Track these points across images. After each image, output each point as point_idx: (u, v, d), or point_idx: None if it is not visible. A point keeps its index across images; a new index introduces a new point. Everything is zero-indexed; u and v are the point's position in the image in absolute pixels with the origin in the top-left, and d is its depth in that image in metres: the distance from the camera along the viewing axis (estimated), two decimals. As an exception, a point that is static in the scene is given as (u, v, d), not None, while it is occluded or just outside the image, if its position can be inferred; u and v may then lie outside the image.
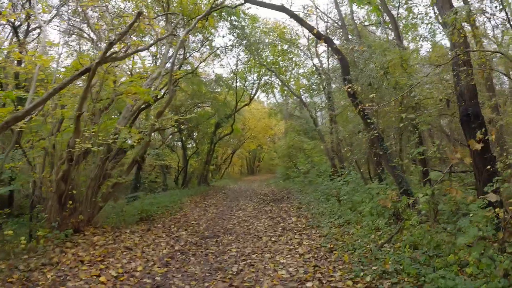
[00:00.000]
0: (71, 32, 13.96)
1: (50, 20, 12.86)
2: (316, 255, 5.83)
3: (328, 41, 9.95)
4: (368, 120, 8.33)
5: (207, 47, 18.49)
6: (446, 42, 19.56)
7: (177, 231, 8.24)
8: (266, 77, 22.46)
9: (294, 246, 6.56)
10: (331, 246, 6.25)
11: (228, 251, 6.30)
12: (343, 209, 9.26)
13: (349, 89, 8.15)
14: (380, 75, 8.76)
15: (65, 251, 5.84)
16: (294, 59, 21.01)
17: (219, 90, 21.59)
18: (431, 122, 10.04)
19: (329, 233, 7.23)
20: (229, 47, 18.94)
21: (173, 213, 11.02)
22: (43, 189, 7.80)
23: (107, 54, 7.69)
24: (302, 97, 21.17)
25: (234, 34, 17.82)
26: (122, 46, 9.20)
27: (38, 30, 12.94)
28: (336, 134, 13.64)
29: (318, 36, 10.27)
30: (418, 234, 5.70)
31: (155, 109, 15.85)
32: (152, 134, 25.36)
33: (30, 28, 12.75)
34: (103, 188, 8.57)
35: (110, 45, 7.40)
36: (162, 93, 15.56)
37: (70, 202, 7.42)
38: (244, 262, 5.60)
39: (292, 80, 22.80)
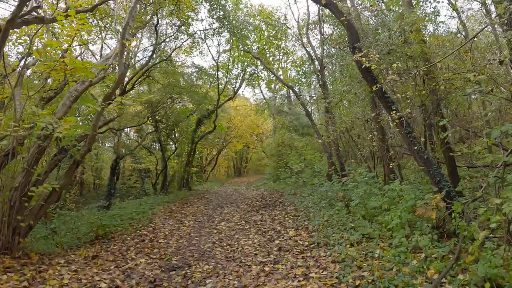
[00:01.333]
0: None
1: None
2: (337, 302, 3.69)
3: (330, 5, 7.84)
4: (388, 98, 6.23)
5: (184, 33, 16.15)
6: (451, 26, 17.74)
7: (135, 258, 5.98)
8: (251, 68, 20.13)
9: (299, 281, 4.40)
10: (357, 282, 4.10)
11: (199, 297, 4.09)
12: (355, 218, 7.16)
13: (363, 58, 6.04)
14: (400, 41, 6.68)
15: None
16: (282, 45, 18.85)
17: (200, 82, 19.24)
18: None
19: (346, 257, 5.09)
20: (209, 30, 16.60)
21: (139, 227, 8.73)
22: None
23: (25, 12, 5.46)
24: (292, 89, 19.04)
25: (215, 16, 15.57)
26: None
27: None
28: (335, 126, 11.53)
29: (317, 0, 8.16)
30: (500, 262, 3.61)
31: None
32: (134, 134, 23.05)
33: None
34: (33, 200, 6.29)
35: (26, -5, 5.15)
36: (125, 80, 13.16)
37: (-28, 223, 5.13)
38: (223, 323, 3.40)
39: (280, 70, 20.70)
